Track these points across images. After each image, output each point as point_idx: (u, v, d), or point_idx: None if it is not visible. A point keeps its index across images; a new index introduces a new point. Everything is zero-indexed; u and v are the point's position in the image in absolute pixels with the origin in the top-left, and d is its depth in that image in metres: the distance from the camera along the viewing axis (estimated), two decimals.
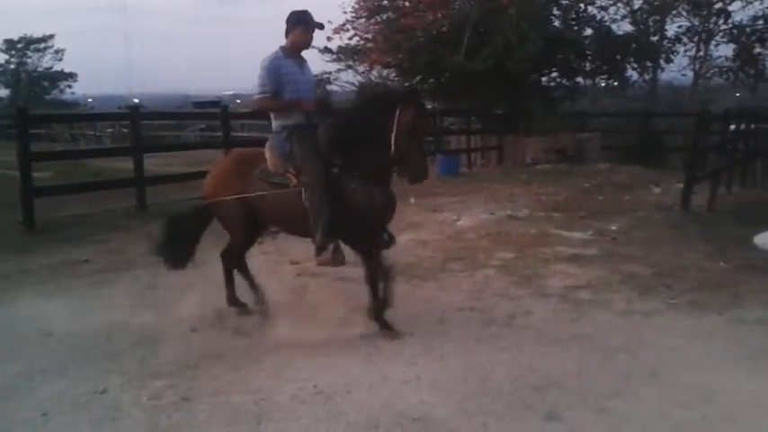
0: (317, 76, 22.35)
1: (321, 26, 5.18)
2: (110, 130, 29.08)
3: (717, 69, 18.90)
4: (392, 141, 4.46)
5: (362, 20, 16.85)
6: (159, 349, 4.44)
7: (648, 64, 17.90)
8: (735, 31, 17.75)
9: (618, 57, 16.60)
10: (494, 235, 7.92)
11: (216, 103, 27.97)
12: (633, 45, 17.25)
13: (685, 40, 18.53)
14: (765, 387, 3.89)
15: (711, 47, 18.96)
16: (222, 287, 5.20)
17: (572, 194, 11.47)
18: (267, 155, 4.89)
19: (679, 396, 3.72)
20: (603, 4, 17.09)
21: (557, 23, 16.88)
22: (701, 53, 18.79)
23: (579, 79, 17.53)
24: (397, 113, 4.47)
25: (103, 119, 25.47)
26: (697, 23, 18.27)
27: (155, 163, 12.23)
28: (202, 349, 4.44)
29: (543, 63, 16.34)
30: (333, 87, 22.88)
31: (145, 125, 14.78)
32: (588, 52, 16.57)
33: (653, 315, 5.14)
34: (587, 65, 16.85)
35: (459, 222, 8.95)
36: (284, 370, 4.11)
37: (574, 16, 16.60)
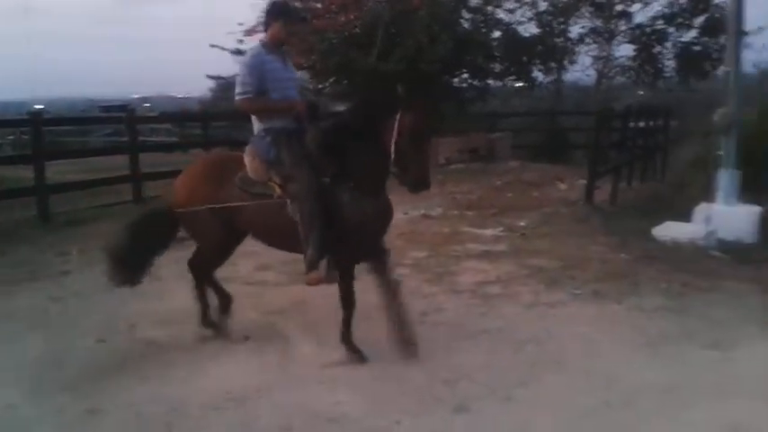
0: (228, 78, 22.13)
1: (304, 18, 5.05)
2: (11, 137, 27.71)
3: (619, 69, 19.79)
4: (392, 148, 4.07)
5: None
6: (65, 361, 4.28)
7: (553, 65, 18.56)
8: (636, 31, 18.60)
9: (525, 58, 17.14)
10: (407, 234, 8.02)
11: (123, 107, 27.09)
12: (539, 47, 17.85)
13: (588, 40, 19.35)
14: (664, 372, 4.11)
15: (613, 47, 19.84)
16: (133, 295, 4.95)
17: (484, 193, 11.76)
18: (248, 161, 4.44)
19: (582, 383, 3.90)
20: (510, 7, 17.61)
21: (466, 26, 17.24)
22: (604, 53, 19.66)
23: (489, 80, 17.97)
24: (398, 117, 4.07)
25: (2, 125, 24.25)
26: (599, 24, 19.07)
27: (58, 170, 11.75)
28: (111, 360, 4.32)
29: (454, 64, 16.64)
30: None
31: (48, 131, 14.17)
32: (497, 54, 17.03)
33: (558, 306, 5.36)
34: (496, 66, 17.30)
35: None
36: (195, 378, 4.06)
37: (482, 19, 17.00)
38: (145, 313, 5.14)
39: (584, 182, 10.86)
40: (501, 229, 8.42)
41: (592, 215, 9.54)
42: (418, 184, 4.13)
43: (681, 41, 17.52)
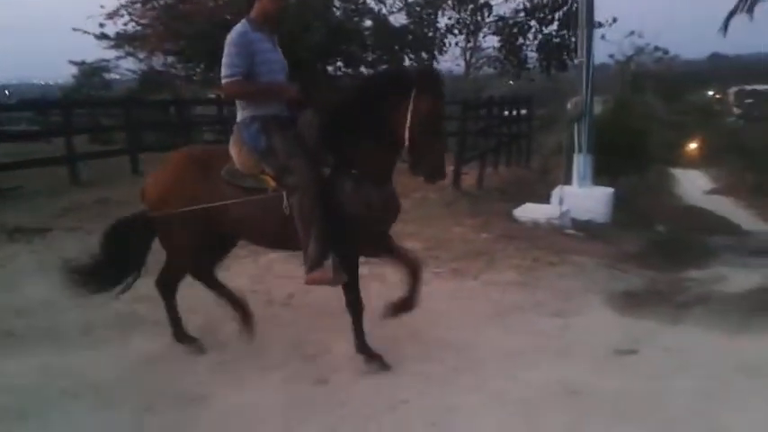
0: (93, 64, 21.10)
1: None
2: None
3: (485, 59, 20.62)
4: (406, 133, 3.67)
5: (138, 5, 16.12)
6: None
7: (425, 54, 19.06)
8: (499, 23, 19.46)
9: (396, 47, 17.51)
10: None
11: None
12: (410, 36, 18.29)
13: (456, 31, 20.02)
14: (510, 339, 4.45)
15: (480, 38, 20.63)
16: None
17: None
18: (234, 152, 4.00)
19: (435, 353, 4.15)
20: None
21: (338, 14, 17.37)
22: (471, 44, 20.42)
23: (363, 69, 18.20)
24: (411, 100, 3.67)
25: None
26: (466, 16, 19.78)
27: None
28: None
29: (328, 53, 16.75)
30: (113, 76, 21.65)
31: None
32: (369, 43, 17.28)
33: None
34: (369, 55, 17.56)
35: None
36: (53, 367, 3.97)
37: (353, 8, 17.19)
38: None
39: (452, 168, 11.33)
40: None
41: (459, 199, 9.95)
42: (435, 172, 3.81)
43: (542, 34, 18.51)
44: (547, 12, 18.06)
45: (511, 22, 19.11)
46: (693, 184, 30.47)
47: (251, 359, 4.07)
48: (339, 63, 18.15)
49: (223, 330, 4.45)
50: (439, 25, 19.80)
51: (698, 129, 48.87)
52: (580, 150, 11.00)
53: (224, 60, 3.93)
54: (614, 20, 18.47)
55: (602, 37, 18.68)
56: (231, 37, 3.93)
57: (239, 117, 4.08)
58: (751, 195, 32.05)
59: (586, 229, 9.16)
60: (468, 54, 20.52)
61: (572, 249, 7.23)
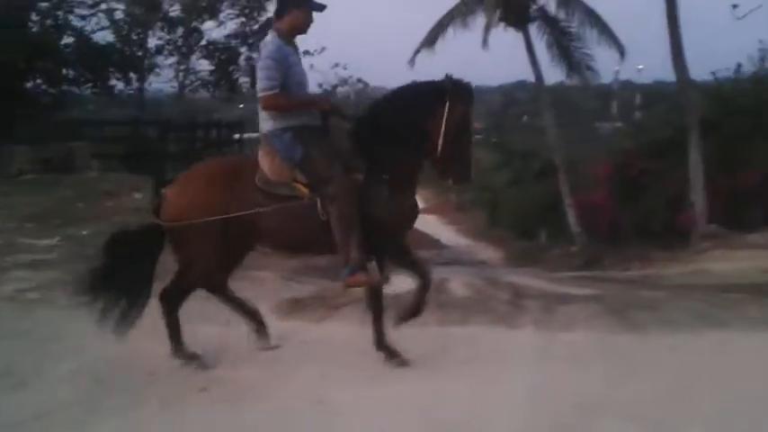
0: None
1: (323, 7, 4.26)
2: None
3: (200, 82, 20.79)
4: (440, 140, 3.96)
5: None
6: None
7: (133, 74, 18.73)
8: (210, 47, 19.79)
9: (100, 66, 16.98)
10: None
11: None
12: (116, 55, 17.85)
13: (166, 53, 19.93)
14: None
15: (194, 61, 20.74)
16: None
17: (53, 204, 11.48)
18: (265, 161, 4.09)
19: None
20: (84, 13, 17.25)
21: (35, 29, 16.39)
22: (183, 66, 20.47)
23: (65, 87, 17.33)
24: (446, 109, 3.97)
25: None
26: (177, 38, 19.80)
27: None
28: None
29: (24, 69, 15.73)
30: None
31: None
32: (69, 60, 16.54)
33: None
34: (70, 73, 16.81)
35: None
36: None
37: (52, 23, 16.36)
38: None
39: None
40: (58, 238, 8.48)
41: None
42: (464, 175, 4.20)
43: (252, 59, 19.22)
44: (257, 39, 18.81)
45: (221, 46, 19.57)
46: None
47: None
48: (39, 80, 17.14)
49: None
50: (149, 45, 19.61)
51: None
52: None
53: (261, 74, 4.06)
54: (323, 48, 19.83)
55: (311, 66, 19.86)
56: (268, 50, 4.09)
57: (267, 128, 4.16)
58: (452, 214, 36.34)
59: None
60: (181, 76, 20.55)
61: (259, 265, 7.84)
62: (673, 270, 10.46)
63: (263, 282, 7.02)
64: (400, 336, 5.09)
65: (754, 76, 12.57)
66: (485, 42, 16.03)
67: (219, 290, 4.68)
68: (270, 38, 4.24)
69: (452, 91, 4.06)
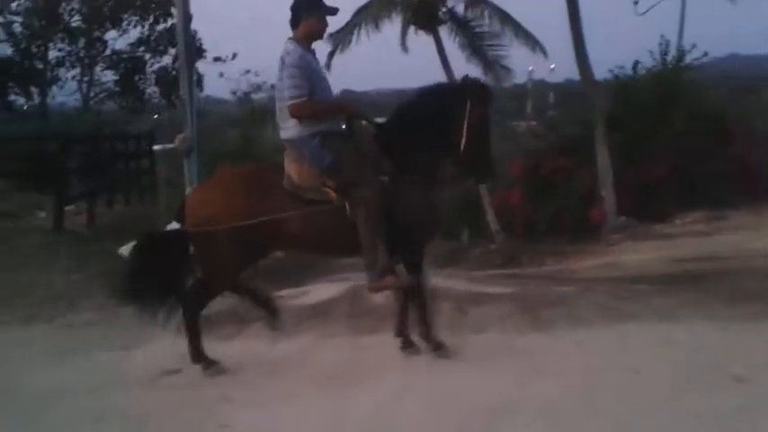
0: None
1: (336, 11, 4.38)
2: None
3: (106, 93, 20.01)
4: (462, 140, 4.08)
5: None
6: None
7: (35, 88, 17.88)
8: (114, 57, 19.08)
9: None
10: None
11: None
12: (15, 69, 16.99)
13: (68, 65, 19.11)
14: (78, 377, 4.56)
15: (98, 72, 19.95)
16: None
17: None
18: (293, 167, 4.19)
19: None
20: None
21: None
22: (87, 78, 19.68)
23: None
24: (467, 110, 4.08)
25: None
26: (79, 49, 19.00)
27: None
28: None
29: None
30: None
31: None
32: None
33: None
34: None
35: None
36: None
37: None
38: None
39: (69, 208, 10.91)
40: None
41: (63, 241, 9.61)
42: (486, 174, 4.49)
43: (159, 68, 18.69)
44: (161, 46, 18.29)
45: (125, 56, 18.91)
46: None
47: None
48: None
49: None
50: (50, 58, 18.72)
51: None
52: (190, 185, 11.45)
53: (289, 82, 4.11)
54: (234, 55, 19.46)
55: (221, 75, 19.50)
56: (293, 59, 4.12)
57: (292, 134, 4.21)
58: None
59: None
60: (84, 88, 19.74)
61: None
62: (585, 263, 10.68)
63: None
64: (310, 348, 5.00)
65: (653, 71, 13.00)
66: (403, 45, 16.07)
67: (234, 287, 4.71)
68: (291, 46, 4.23)
69: (472, 92, 4.23)
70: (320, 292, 7.22)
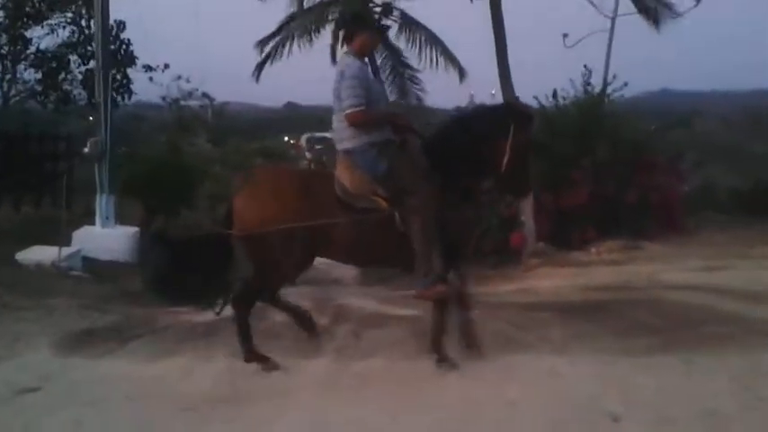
0: None
1: (388, 28, 3.93)
2: None
3: (28, 92, 19.15)
4: (504, 161, 4.33)
5: None
6: None
7: None
8: (38, 55, 18.28)
9: None
10: None
11: None
12: None
13: None
14: None
15: (21, 70, 19.08)
16: None
17: None
18: (346, 175, 4.35)
19: None
20: None
21: None
22: (10, 76, 18.79)
23: None
24: (511, 132, 4.33)
25: None
26: (2, 46, 18.16)
27: None
28: None
29: None
30: None
31: None
32: None
33: None
34: None
35: None
36: None
37: None
38: None
39: None
40: None
41: None
42: (524, 192, 4.93)
43: (86, 70, 17.94)
44: (89, 47, 17.60)
45: (50, 55, 18.12)
46: None
47: None
48: None
49: None
50: None
51: None
52: (102, 191, 11.01)
53: (348, 92, 4.28)
54: (166, 66, 18.91)
55: (151, 79, 18.90)
56: (352, 71, 4.33)
57: (348, 145, 4.39)
58: None
59: (98, 270, 9.17)
60: (6, 86, 18.82)
61: (55, 291, 7.17)
62: (502, 288, 10.60)
63: (52, 311, 6.35)
64: (183, 371, 4.72)
65: (576, 99, 13.12)
66: (334, 59, 15.91)
67: (270, 298, 4.80)
68: (349, 59, 4.46)
69: (515, 116, 4.51)
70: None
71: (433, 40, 15.76)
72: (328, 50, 16.41)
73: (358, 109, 4.33)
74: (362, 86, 4.36)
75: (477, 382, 4.37)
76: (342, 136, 4.48)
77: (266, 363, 4.60)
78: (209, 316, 6.41)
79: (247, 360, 4.57)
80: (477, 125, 4.62)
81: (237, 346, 5.19)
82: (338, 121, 4.49)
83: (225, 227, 4.48)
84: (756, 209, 16.05)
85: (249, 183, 4.74)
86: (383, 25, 4.89)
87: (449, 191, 4.38)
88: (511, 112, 4.65)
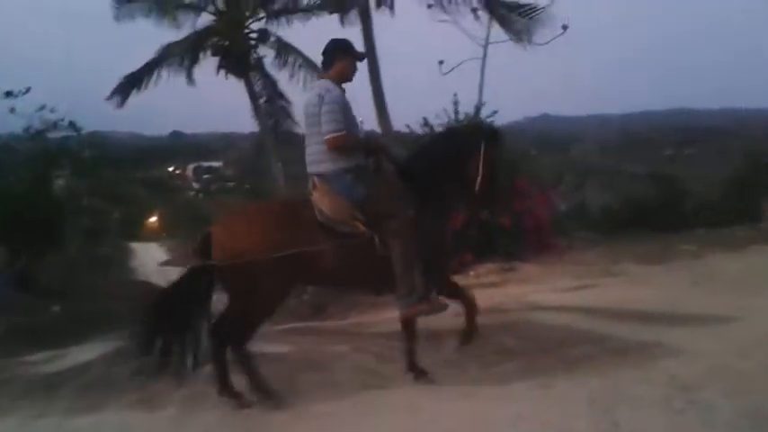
0: None
1: (365, 56, 4.93)
2: None
3: None
4: (478, 179, 4.51)
5: None
6: None
7: None
8: None
9: None
10: None
11: None
12: None
13: None
14: None
15: None
16: None
17: None
18: (325, 201, 4.39)
19: None
20: None
21: None
22: None
23: None
24: (482, 151, 4.53)
25: None
26: None
27: None
28: None
29: None
30: None
31: None
32: None
33: None
34: None
35: None
36: None
37: None
38: None
39: None
40: None
41: None
42: (497, 207, 5.11)
43: None
44: None
45: None
46: (150, 257, 31.31)
47: None
48: None
49: None
50: None
51: (158, 203, 51.27)
52: None
53: (329, 116, 4.35)
54: (27, 90, 17.71)
55: (12, 110, 17.71)
56: (333, 96, 4.42)
57: (322, 169, 4.44)
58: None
59: None
60: None
61: None
62: (383, 316, 10.53)
63: None
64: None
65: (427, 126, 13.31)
66: (189, 79, 15.50)
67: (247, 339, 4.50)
68: (329, 85, 4.53)
69: (486, 135, 4.72)
70: (80, 354, 6.47)
71: (308, 65, 15.72)
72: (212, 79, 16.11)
73: (339, 134, 4.41)
74: (341, 111, 4.46)
75: (331, 419, 4.19)
76: (317, 159, 4.55)
77: (238, 398, 4.47)
78: (68, 363, 6.02)
79: (221, 395, 4.46)
80: (449, 146, 4.84)
81: (77, 401, 4.83)
82: (315, 144, 4.55)
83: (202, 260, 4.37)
84: (624, 225, 16.91)
85: (229, 217, 4.78)
86: (361, 53, 4.79)
87: (425, 212, 4.49)
88: (480, 131, 4.93)
